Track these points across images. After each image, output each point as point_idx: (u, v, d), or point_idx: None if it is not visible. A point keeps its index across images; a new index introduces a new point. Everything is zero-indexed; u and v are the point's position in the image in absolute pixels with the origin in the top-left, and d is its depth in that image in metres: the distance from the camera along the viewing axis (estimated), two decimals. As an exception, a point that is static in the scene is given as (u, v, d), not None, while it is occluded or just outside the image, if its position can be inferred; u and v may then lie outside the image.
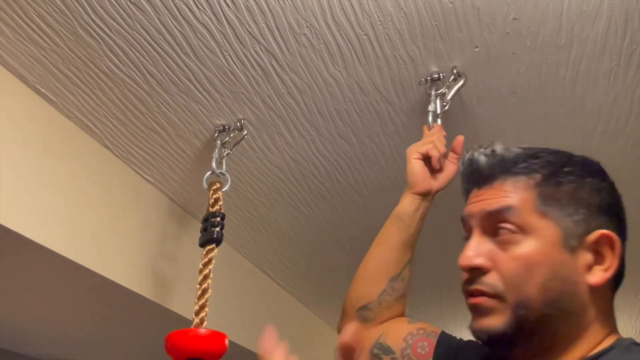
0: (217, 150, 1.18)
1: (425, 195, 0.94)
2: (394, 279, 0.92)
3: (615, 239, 0.64)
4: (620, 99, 1.12)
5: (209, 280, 1.07)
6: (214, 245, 1.12)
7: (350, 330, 0.67)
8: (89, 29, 0.96)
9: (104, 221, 1.20)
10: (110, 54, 1.01)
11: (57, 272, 1.15)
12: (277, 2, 0.93)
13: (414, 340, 0.86)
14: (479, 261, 0.66)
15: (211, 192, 1.17)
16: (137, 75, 1.06)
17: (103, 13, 0.93)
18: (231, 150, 1.19)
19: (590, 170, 0.69)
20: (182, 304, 1.38)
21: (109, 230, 1.21)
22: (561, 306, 0.63)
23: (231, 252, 1.66)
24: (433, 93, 1.05)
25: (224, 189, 1.17)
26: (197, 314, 1.04)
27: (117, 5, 0.92)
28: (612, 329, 0.66)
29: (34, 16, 0.94)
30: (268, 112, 1.16)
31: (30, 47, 0.99)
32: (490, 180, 0.69)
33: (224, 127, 1.18)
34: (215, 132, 1.19)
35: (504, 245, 0.65)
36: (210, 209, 1.15)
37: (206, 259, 1.10)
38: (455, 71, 1.04)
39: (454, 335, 0.87)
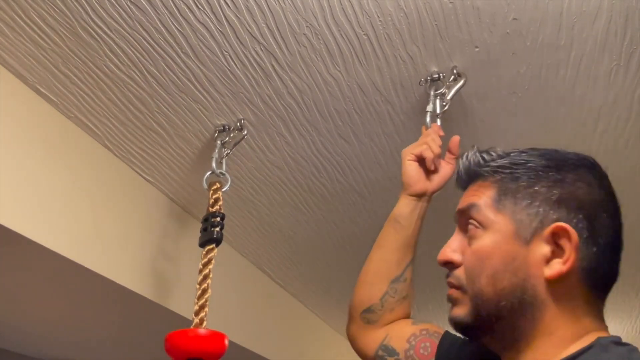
0: (217, 150, 1.18)
1: (421, 196, 0.94)
2: (396, 281, 0.93)
3: (570, 232, 0.63)
4: (620, 99, 1.12)
5: (209, 280, 1.07)
6: (214, 245, 1.12)
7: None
8: (89, 29, 0.96)
9: (104, 221, 1.20)
10: (110, 54, 1.01)
11: (57, 272, 1.15)
12: (277, 2, 0.93)
13: (416, 341, 0.87)
14: (450, 256, 0.71)
15: (211, 192, 1.17)
16: (137, 75, 1.06)
17: (103, 13, 0.93)
18: (231, 150, 1.19)
19: (559, 165, 0.68)
20: (182, 304, 1.38)
21: (109, 230, 1.21)
22: (515, 298, 0.64)
23: (231, 252, 1.66)
24: (432, 93, 1.05)
25: (224, 189, 1.17)
26: (197, 314, 1.04)
27: (117, 5, 0.92)
28: (592, 327, 0.64)
29: (34, 16, 0.94)
30: (268, 112, 1.16)
31: (30, 47, 0.99)
32: (469, 183, 0.74)
33: (224, 127, 1.19)
34: (215, 132, 1.19)
35: (470, 240, 0.70)
36: (210, 209, 1.15)
37: (206, 259, 1.10)
38: (455, 71, 1.04)
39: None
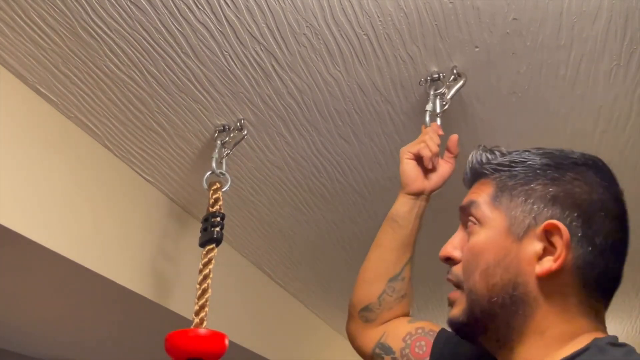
0: (217, 150, 1.18)
1: (419, 195, 0.94)
2: (394, 280, 0.93)
3: (562, 229, 0.63)
4: (620, 99, 1.12)
5: (209, 280, 1.07)
6: (214, 245, 1.12)
7: None
8: (89, 29, 0.96)
9: (104, 221, 1.20)
10: (110, 54, 1.01)
11: (57, 272, 1.15)
12: (277, 2, 0.93)
13: (412, 340, 0.87)
14: (450, 252, 0.72)
15: (211, 192, 1.17)
16: (137, 75, 1.06)
17: (103, 13, 0.93)
18: (231, 150, 1.19)
19: (558, 164, 0.68)
20: (182, 304, 1.38)
21: (109, 230, 1.21)
22: (506, 294, 0.65)
23: (231, 252, 1.66)
24: (432, 93, 1.05)
25: (224, 189, 1.17)
26: (197, 314, 1.04)
27: (117, 5, 0.92)
28: (587, 328, 0.64)
29: (34, 16, 0.94)
30: (268, 112, 1.16)
31: (30, 47, 0.99)
32: (473, 181, 0.75)
33: (224, 127, 1.19)
34: (215, 132, 1.19)
35: (469, 236, 0.71)
36: (210, 209, 1.15)
37: (206, 259, 1.10)
38: (455, 71, 1.04)
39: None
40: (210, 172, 1.17)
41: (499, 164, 0.71)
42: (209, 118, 1.17)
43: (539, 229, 0.65)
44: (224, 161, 1.19)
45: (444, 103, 1.04)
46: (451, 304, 0.72)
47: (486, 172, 0.73)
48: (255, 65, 1.04)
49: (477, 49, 1.01)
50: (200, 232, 1.14)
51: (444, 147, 0.98)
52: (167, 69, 1.05)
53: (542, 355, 0.63)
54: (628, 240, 0.68)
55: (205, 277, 1.08)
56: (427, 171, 0.95)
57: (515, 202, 0.67)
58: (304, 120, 1.18)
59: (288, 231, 1.60)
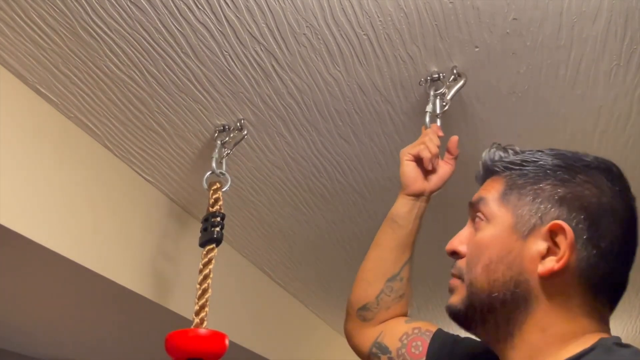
0: (217, 150, 1.18)
1: (418, 196, 0.95)
2: (392, 279, 0.93)
3: (567, 230, 0.63)
4: (620, 99, 1.12)
5: (209, 280, 1.07)
6: (214, 245, 1.12)
7: None
8: (89, 29, 0.96)
9: (104, 221, 1.20)
10: (110, 54, 1.01)
11: (57, 272, 1.15)
12: (277, 2, 0.93)
13: (408, 340, 0.88)
14: (456, 246, 0.73)
15: (211, 192, 1.17)
16: (137, 75, 1.06)
17: (103, 13, 0.93)
18: (231, 150, 1.19)
19: (570, 165, 0.68)
20: (182, 304, 1.38)
21: (109, 230, 1.21)
22: (508, 290, 0.65)
23: (231, 252, 1.66)
24: (432, 93, 1.05)
25: (224, 189, 1.17)
26: (197, 314, 1.04)
27: (117, 5, 0.92)
28: (591, 328, 0.64)
29: (34, 16, 0.94)
30: (268, 112, 1.16)
31: (30, 47, 0.99)
32: (485, 178, 0.76)
33: (224, 127, 1.19)
34: (215, 132, 1.19)
35: (476, 232, 0.72)
36: (210, 209, 1.15)
37: (206, 259, 1.10)
38: (455, 71, 1.04)
39: (453, 333, 0.88)
40: (210, 172, 1.17)
41: (510, 162, 0.72)
42: (209, 118, 1.17)
43: (545, 228, 0.65)
44: (224, 161, 1.19)
45: (444, 104, 1.04)
46: (451, 291, 0.73)
47: (497, 169, 0.73)
48: (255, 65, 1.04)
49: (477, 49, 1.01)
50: (200, 232, 1.14)
51: (444, 148, 0.98)
52: (167, 69, 1.05)
53: (544, 353, 0.63)
54: (636, 247, 0.67)
55: (205, 277, 1.08)
56: (427, 172, 0.95)
57: (523, 200, 0.68)
58: (304, 120, 1.18)
59: (288, 231, 1.60)
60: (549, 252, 0.64)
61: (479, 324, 0.69)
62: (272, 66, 1.05)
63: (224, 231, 1.13)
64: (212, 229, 1.12)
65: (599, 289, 0.64)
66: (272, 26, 0.97)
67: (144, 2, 0.92)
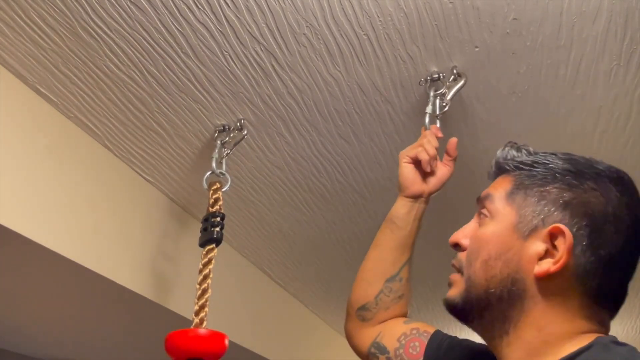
0: (217, 150, 1.18)
1: (417, 197, 0.95)
2: (391, 280, 0.94)
3: (566, 234, 0.63)
4: (620, 99, 1.12)
5: (209, 280, 1.07)
6: (213, 245, 1.12)
7: None
8: (89, 29, 0.96)
9: (104, 221, 1.20)
10: (110, 54, 1.01)
11: (57, 272, 1.15)
12: (277, 2, 0.93)
13: (406, 340, 0.88)
14: (458, 238, 0.74)
15: (211, 192, 1.17)
16: (137, 75, 1.06)
17: (103, 13, 0.93)
18: (231, 150, 1.19)
19: (580, 171, 0.68)
20: (182, 304, 1.38)
21: (109, 230, 1.21)
22: (504, 287, 0.66)
23: (231, 252, 1.66)
24: (431, 94, 1.05)
25: (224, 189, 1.17)
26: (197, 314, 1.04)
27: (117, 5, 0.92)
28: (589, 329, 0.64)
29: (34, 16, 0.94)
30: (268, 112, 1.16)
31: (30, 47, 0.99)
32: (496, 175, 0.77)
33: (224, 127, 1.19)
34: (215, 132, 1.19)
35: (479, 227, 0.73)
36: (210, 209, 1.15)
37: (206, 259, 1.10)
38: (455, 71, 1.04)
39: (452, 334, 0.88)
40: (210, 172, 1.17)
41: (521, 162, 0.72)
42: (209, 118, 1.17)
43: (545, 230, 0.65)
44: (224, 161, 1.19)
45: (444, 104, 1.04)
46: (450, 284, 0.74)
47: (508, 168, 0.74)
48: (255, 65, 1.04)
49: (477, 49, 1.01)
50: (200, 232, 1.14)
51: (443, 149, 0.98)
52: (167, 69, 1.05)
53: (540, 351, 0.64)
54: (638, 259, 0.67)
55: (205, 277, 1.08)
56: (425, 174, 0.95)
57: (528, 201, 0.68)
58: (304, 120, 1.18)
59: (288, 231, 1.60)
60: (547, 254, 0.65)
61: (476, 318, 0.70)
62: (272, 66, 1.05)
63: (224, 231, 1.13)
64: (212, 229, 1.12)
65: (596, 296, 0.65)
66: (272, 26, 0.97)
67: (144, 2, 0.92)
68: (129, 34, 0.97)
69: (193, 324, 1.03)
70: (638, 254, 0.67)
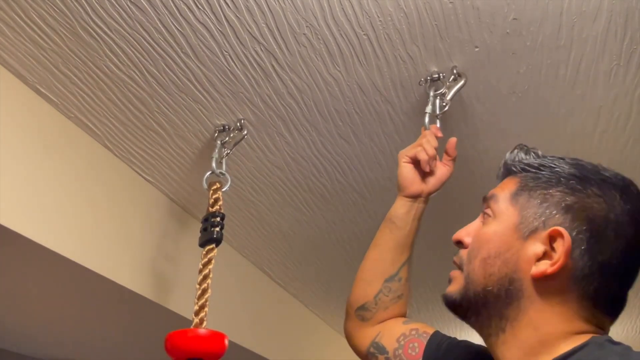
0: (217, 150, 1.18)
1: (416, 197, 0.95)
2: (390, 280, 0.94)
3: (565, 237, 0.64)
4: (620, 99, 1.12)
5: (209, 280, 1.07)
6: (213, 245, 1.12)
7: None
8: (89, 29, 0.96)
9: (104, 221, 1.20)
10: (110, 54, 1.01)
11: (57, 272, 1.15)
12: (277, 2, 0.93)
13: (405, 341, 0.89)
14: (461, 236, 0.75)
15: (211, 192, 1.17)
16: (137, 75, 1.06)
17: (103, 13, 0.93)
18: (231, 150, 1.19)
19: (585, 177, 0.68)
20: (182, 304, 1.38)
21: (109, 230, 1.21)
22: (502, 286, 0.67)
23: (231, 252, 1.66)
24: (431, 93, 1.05)
25: (224, 189, 1.17)
26: (196, 314, 1.04)
27: (117, 5, 0.92)
28: (587, 329, 0.65)
29: (34, 16, 0.94)
30: (268, 112, 1.16)
31: (30, 47, 0.99)
32: (504, 176, 0.77)
33: (224, 127, 1.19)
34: (215, 132, 1.19)
35: (483, 226, 0.74)
36: (210, 209, 1.15)
37: (206, 259, 1.10)
38: (455, 71, 1.04)
39: (451, 334, 0.88)
40: (210, 172, 1.17)
41: (528, 164, 0.73)
42: (209, 118, 1.17)
43: (545, 232, 0.66)
44: (224, 161, 1.19)
45: (444, 104, 1.04)
46: (450, 280, 0.75)
47: (515, 169, 0.75)
48: (255, 65, 1.04)
49: (477, 49, 1.01)
50: (200, 232, 1.14)
51: (442, 149, 0.98)
52: (167, 69, 1.05)
53: (536, 350, 0.64)
54: (638, 268, 0.68)
55: (205, 277, 1.08)
56: (425, 174, 0.95)
57: (531, 202, 0.69)
58: (304, 120, 1.18)
59: (288, 231, 1.60)
60: (545, 256, 0.65)
61: (473, 314, 0.71)
62: (272, 66, 1.05)
63: (224, 231, 1.13)
64: (212, 229, 1.12)
65: (594, 301, 0.65)
66: (272, 26, 0.97)
67: (144, 2, 0.92)
68: (129, 34, 0.97)
69: (193, 324, 1.03)
70: (639, 263, 0.68)
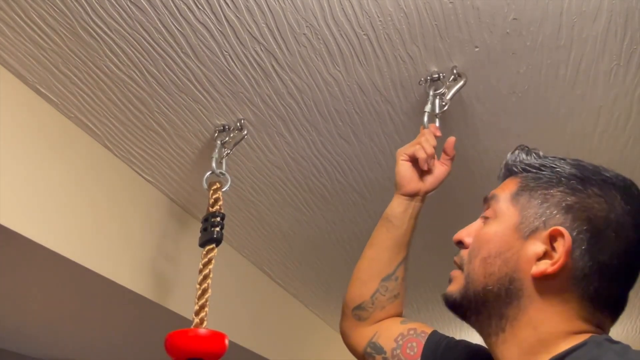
0: (217, 150, 1.18)
1: (413, 196, 0.95)
2: (387, 279, 0.94)
3: (565, 236, 0.64)
4: (620, 99, 1.12)
5: (209, 280, 1.07)
6: (213, 245, 1.12)
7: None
8: (89, 29, 0.96)
9: (104, 221, 1.20)
10: (110, 54, 1.01)
11: (57, 272, 1.15)
12: (277, 2, 0.93)
13: (404, 340, 0.88)
14: (462, 236, 0.75)
15: (211, 192, 1.17)
16: (137, 75, 1.06)
17: (103, 13, 0.93)
18: (231, 150, 1.19)
19: (586, 177, 0.68)
20: (182, 304, 1.38)
21: (109, 230, 1.21)
22: (502, 285, 0.67)
23: (231, 252, 1.66)
24: (431, 93, 1.05)
25: (224, 189, 1.17)
26: (197, 314, 1.04)
27: (117, 5, 0.92)
28: (586, 329, 0.65)
29: (34, 16, 0.94)
30: (268, 112, 1.16)
31: (30, 47, 0.99)
32: (505, 177, 0.78)
33: (224, 127, 1.19)
34: (215, 132, 1.19)
35: (484, 226, 0.74)
36: (210, 209, 1.15)
37: (206, 259, 1.10)
38: (455, 71, 1.04)
39: (450, 334, 0.88)
40: (210, 172, 1.17)
41: (529, 165, 0.73)
42: (209, 118, 1.17)
43: (546, 232, 0.66)
44: (224, 161, 1.19)
45: (444, 104, 1.04)
46: (450, 280, 0.75)
47: (516, 170, 0.75)
48: (255, 65, 1.04)
49: (477, 49, 1.01)
50: (200, 232, 1.14)
51: (441, 148, 0.98)
52: (167, 69, 1.05)
53: (535, 349, 0.65)
54: (639, 268, 0.68)
55: (205, 277, 1.08)
56: (422, 173, 0.95)
57: (531, 203, 0.69)
58: (304, 120, 1.18)
59: (288, 231, 1.60)
60: (545, 256, 0.65)
61: (473, 314, 0.71)
62: (272, 66, 1.05)
63: (224, 231, 1.13)
64: (212, 229, 1.12)
65: (595, 301, 0.65)
66: (272, 26, 0.97)
67: (144, 2, 0.92)
68: (129, 34, 0.97)
69: (193, 324, 1.03)
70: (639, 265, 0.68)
